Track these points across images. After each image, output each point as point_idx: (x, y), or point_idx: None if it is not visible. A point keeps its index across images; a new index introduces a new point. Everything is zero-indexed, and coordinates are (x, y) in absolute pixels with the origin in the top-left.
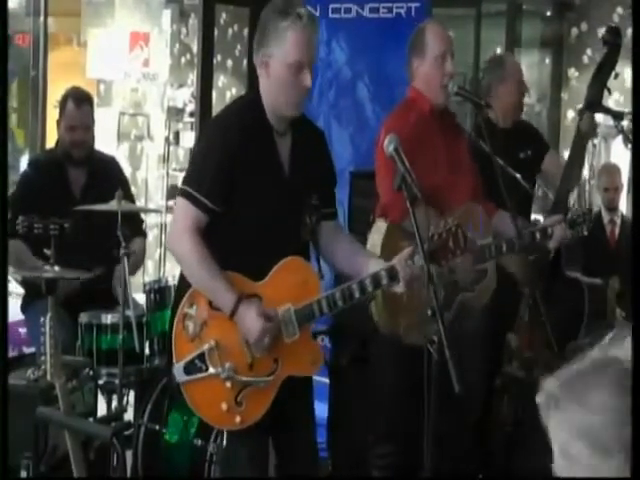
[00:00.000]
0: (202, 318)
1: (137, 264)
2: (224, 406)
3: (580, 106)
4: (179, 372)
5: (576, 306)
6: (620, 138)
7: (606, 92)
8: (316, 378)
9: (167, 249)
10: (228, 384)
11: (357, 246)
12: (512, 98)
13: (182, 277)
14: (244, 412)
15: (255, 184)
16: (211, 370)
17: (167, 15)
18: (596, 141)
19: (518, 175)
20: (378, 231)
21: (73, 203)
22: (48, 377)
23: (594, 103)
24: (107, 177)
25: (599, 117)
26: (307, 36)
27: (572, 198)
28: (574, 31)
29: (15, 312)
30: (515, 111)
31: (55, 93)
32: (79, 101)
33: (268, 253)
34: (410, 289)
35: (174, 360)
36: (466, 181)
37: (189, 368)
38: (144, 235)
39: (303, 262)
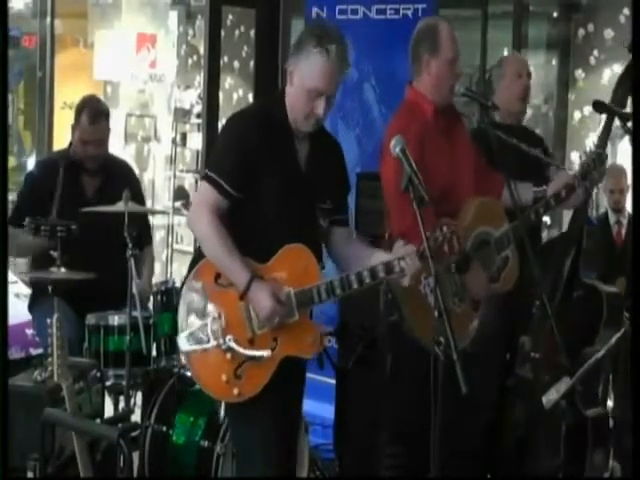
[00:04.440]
0: (207, 293)
1: (150, 273)
2: (224, 377)
3: (587, 107)
4: (182, 342)
5: (594, 312)
6: (627, 139)
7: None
8: (322, 379)
9: (188, 227)
10: (228, 356)
11: (365, 245)
12: (511, 91)
13: (198, 253)
14: (242, 385)
15: (272, 179)
16: (212, 342)
17: (174, 16)
18: None
19: (536, 151)
20: None
21: (87, 206)
22: (55, 378)
23: (603, 104)
24: (121, 181)
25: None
26: (331, 70)
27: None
28: (581, 32)
29: (23, 313)
30: (518, 109)
31: (62, 95)
32: (94, 117)
33: (280, 244)
34: (415, 282)
35: (179, 330)
36: (469, 175)
37: (192, 338)
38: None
39: (305, 249)
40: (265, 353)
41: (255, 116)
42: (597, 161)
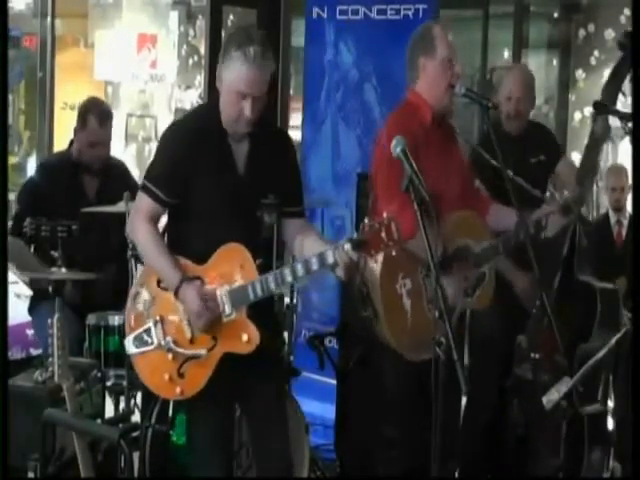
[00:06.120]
0: (150, 296)
1: None
2: (166, 376)
3: (588, 107)
4: (129, 345)
5: (588, 309)
6: (628, 139)
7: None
8: (323, 379)
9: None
10: (170, 356)
11: (318, 239)
12: (506, 107)
13: None
14: (184, 384)
15: (206, 182)
16: (155, 343)
17: (174, 17)
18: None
19: (528, 185)
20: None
21: (88, 206)
22: (56, 379)
23: (604, 105)
24: (120, 182)
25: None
26: (253, 72)
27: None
28: (581, 32)
29: (23, 313)
30: (516, 120)
31: (62, 95)
32: (103, 119)
33: (221, 244)
34: (348, 277)
35: (127, 333)
36: (455, 189)
37: (137, 341)
38: None
39: (240, 248)
40: (202, 352)
41: (186, 123)
42: (578, 200)
